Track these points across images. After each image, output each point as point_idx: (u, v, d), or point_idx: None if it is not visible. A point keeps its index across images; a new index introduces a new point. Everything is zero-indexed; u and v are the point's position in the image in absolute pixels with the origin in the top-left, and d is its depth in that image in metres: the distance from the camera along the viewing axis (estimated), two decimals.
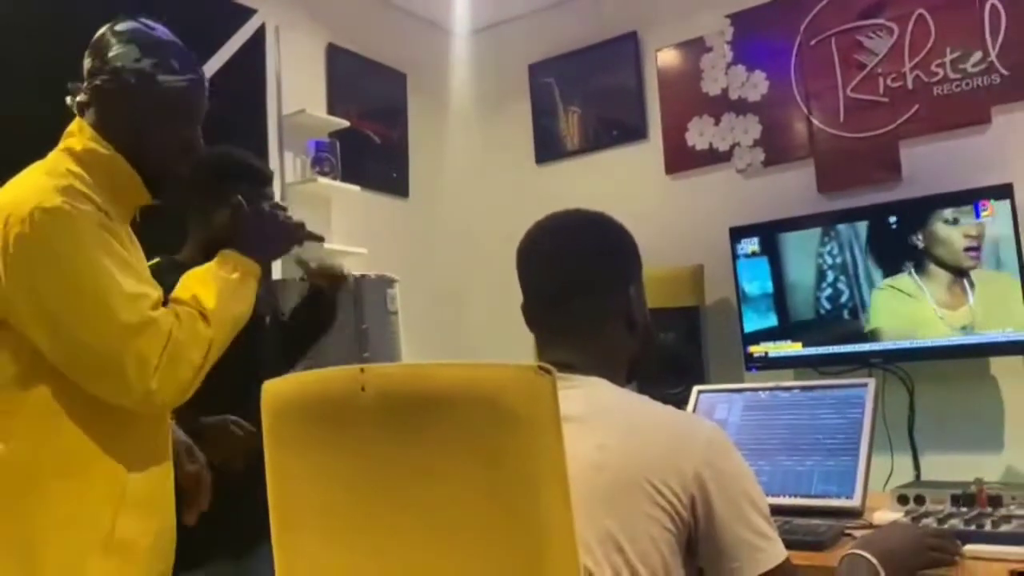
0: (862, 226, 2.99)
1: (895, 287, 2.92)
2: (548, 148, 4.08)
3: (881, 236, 2.95)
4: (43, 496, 1.17)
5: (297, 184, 3.35)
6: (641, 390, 3.21)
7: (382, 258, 3.48)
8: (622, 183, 3.76)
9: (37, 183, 1.21)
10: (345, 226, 3.54)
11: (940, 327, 2.83)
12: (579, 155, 3.97)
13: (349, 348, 2.42)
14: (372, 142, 3.79)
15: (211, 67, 3.09)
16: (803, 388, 1.97)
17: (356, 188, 3.47)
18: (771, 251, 3.17)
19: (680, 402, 2.64)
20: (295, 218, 1.60)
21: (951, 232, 2.82)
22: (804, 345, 3.08)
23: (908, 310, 2.89)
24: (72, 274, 1.17)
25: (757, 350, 3.17)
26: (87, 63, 1.35)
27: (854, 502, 1.68)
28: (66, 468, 1.19)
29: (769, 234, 3.18)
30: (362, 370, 0.91)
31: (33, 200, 1.17)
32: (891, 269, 2.93)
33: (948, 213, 2.83)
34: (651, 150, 3.72)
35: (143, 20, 1.38)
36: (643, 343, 1.17)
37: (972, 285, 2.79)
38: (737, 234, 3.24)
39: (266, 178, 1.88)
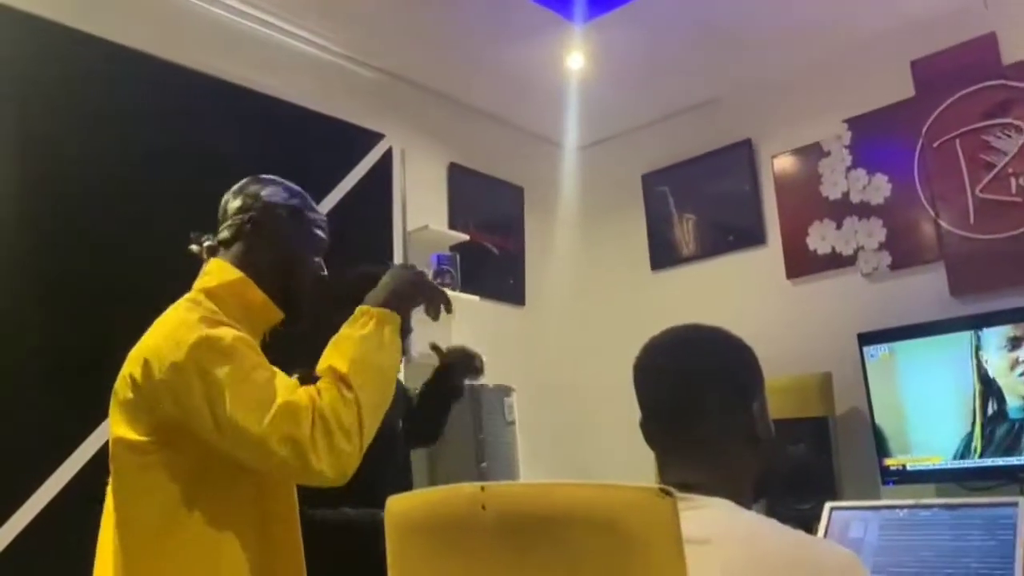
0: (1004, 330, 2.82)
1: None
2: (663, 255, 4.09)
3: None
4: None
5: None
6: (770, 506, 3.08)
7: (499, 366, 3.51)
8: (741, 288, 3.72)
9: (178, 319, 1.34)
10: (464, 335, 3.61)
11: None
12: (695, 261, 3.96)
13: (466, 458, 2.45)
14: (490, 253, 3.91)
15: (344, 187, 3.31)
16: (945, 506, 1.85)
17: (475, 298, 3.57)
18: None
19: (811, 518, 2.52)
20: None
21: None
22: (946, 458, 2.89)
23: None
24: (219, 384, 1.26)
25: (893, 463, 2.98)
26: (235, 203, 1.52)
27: None
28: None
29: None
30: (483, 488, 0.93)
31: (179, 336, 1.30)
32: None
33: None
34: (770, 255, 3.68)
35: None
36: (768, 460, 1.14)
37: None
38: (865, 340, 3.11)
39: None
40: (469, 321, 3.66)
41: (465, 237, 3.65)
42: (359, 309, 1.41)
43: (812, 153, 3.58)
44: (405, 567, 1.01)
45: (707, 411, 1.10)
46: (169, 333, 1.32)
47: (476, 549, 0.93)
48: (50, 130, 2.48)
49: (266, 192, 1.52)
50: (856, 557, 0.96)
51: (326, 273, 1.56)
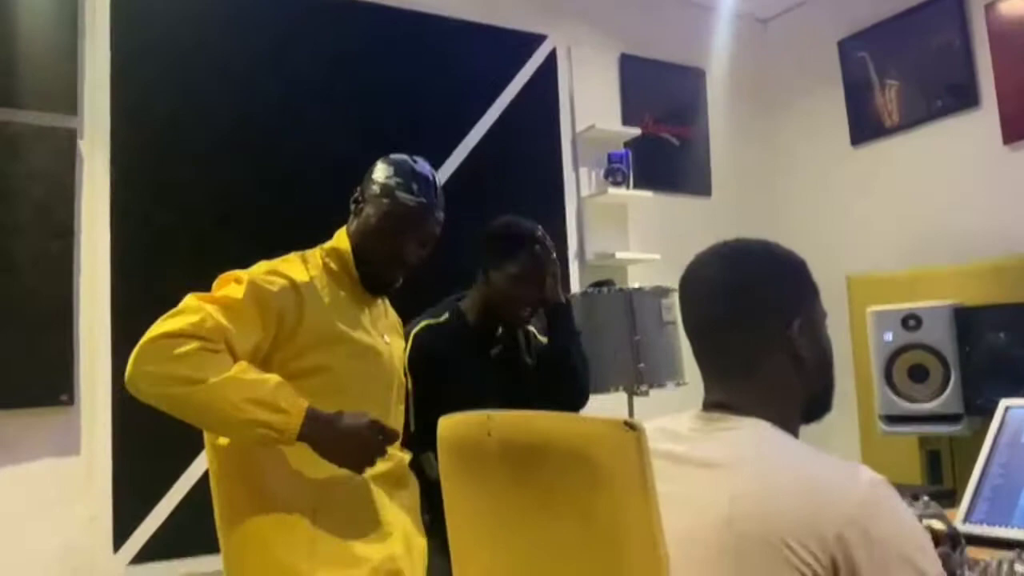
0: None
1: None
2: (864, 128, 3.74)
3: None
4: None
5: (592, 197, 3.48)
6: (968, 400, 2.84)
7: (675, 263, 3.45)
8: (951, 159, 3.34)
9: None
10: (641, 233, 3.60)
11: None
12: (900, 132, 3.59)
13: (623, 360, 2.48)
14: (670, 145, 3.80)
15: (508, 95, 3.35)
16: None
17: (648, 193, 3.51)
18: None
19: None
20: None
21: None
22: None
23: None
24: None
25: None
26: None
27: None
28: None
29: None
30: (489, 417, 0.99)
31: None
32: None
33: None
34: (985, 118, 3.24)
35: (413, 156, 1.65)
36: (818, 383, 1.08)
37: None
38: None
39: (543, 250, 1.93)
40: (646, 218, 3.62)
41: (637, 132, 3.56)
42: (303, 407, 1.38)
43: None
44: (446, 479, 1.10)
45: (740, 326, 1.05)
46: None
47: (485, 471, 0.99)
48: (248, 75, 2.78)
49: (376, 169, 1.63)
50: (873, 479, 0.89)
51: (411, 259, 1.60)
